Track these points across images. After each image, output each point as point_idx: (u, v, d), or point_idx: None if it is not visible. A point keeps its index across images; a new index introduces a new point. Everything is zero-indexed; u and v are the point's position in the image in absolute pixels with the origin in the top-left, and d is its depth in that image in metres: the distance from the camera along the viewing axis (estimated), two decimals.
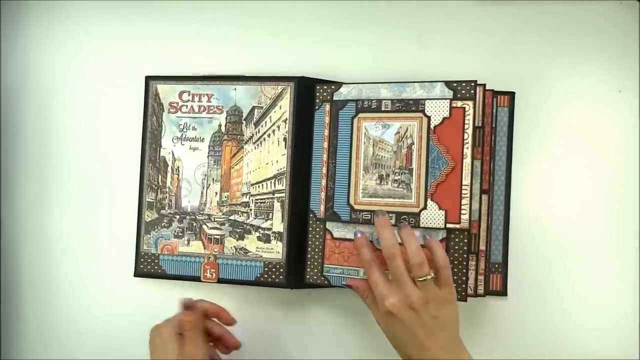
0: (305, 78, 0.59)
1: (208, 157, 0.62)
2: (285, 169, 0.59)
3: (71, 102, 0.67)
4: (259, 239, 0.60)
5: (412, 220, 0.53)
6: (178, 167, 0.63)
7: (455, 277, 0.52)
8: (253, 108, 0.61)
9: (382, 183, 0.55)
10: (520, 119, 0.57)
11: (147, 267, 0.62)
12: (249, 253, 0.60)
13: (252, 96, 0.61)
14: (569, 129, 0.59)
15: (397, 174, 0.54)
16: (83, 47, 0.67)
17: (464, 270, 0.52)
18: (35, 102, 0.68)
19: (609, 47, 0.59)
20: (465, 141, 0.52)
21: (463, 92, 0.52)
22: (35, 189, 0.67)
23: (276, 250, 0.59)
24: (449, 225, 0.52)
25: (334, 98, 0.57)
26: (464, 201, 0.52)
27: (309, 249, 0.57)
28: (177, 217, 0.62)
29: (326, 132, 0.57)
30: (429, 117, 0.53)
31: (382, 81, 0.55)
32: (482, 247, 0.54)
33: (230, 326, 0.55)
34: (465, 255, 0.52)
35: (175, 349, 0.48)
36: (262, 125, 0.61)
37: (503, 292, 0.57)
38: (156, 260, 0.62)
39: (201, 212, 0.62)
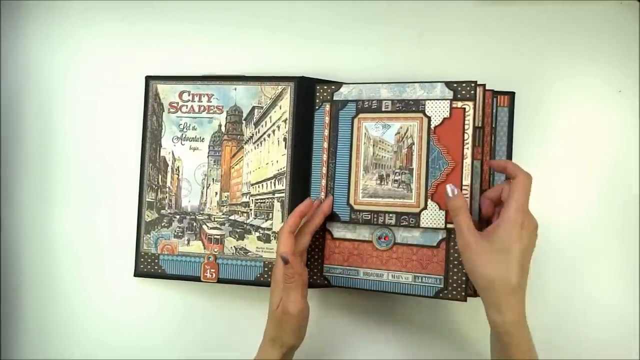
0: (305, 78, 0.59)
1: (208, 157, 0.62)
2: (285, 169, 0.59)
3: (71, 102, 0.67)
4: (259, 239, 0.60)
5: (412, 220, 0.53)
6: (178, 167, 0.63)
7: (455, 277, 0.52)
8: (253, 108, 0.61)
9: (382, 183, 0.55)
10: (520, 119, 0.57)
11: (147, 267, 0.62)
12: (249, 253, 0.60)
13: (252, 96, 0.61)
14: (569, 129, 0.59)
15: (397, 174, 0.54)
16: (83, 47, 0.67)
17: (464, 270, 0.52)
18: (36, 102, 0.68)
19: (609, 47, 0.59)
20: (465, 141, 0.52)
21: (463, 92, 0.52)
22: (35, 188, 0.67)
23: (276, 250, 0.59)
24: (449, 225, 0.52)
25: (334, 98, 0.57)
26: None
27: (309, 249, 0.57)
28: (177, 217, 0.62)
29: (326, 132, 0.57)
30: (429, 118, 0.53)
31: (382, 81, 0.55)
32: None
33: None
34: None
35: (276, 301, 0.50)
36: (262, 125, 0.61)
37: None
38: (156, 260, 0.62)
39: (201, 212, 0.62)
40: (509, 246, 0.44)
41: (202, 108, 0.62)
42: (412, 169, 0.54)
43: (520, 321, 0.45)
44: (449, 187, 0.49)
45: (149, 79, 0.63)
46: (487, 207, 0.51)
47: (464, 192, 0.52)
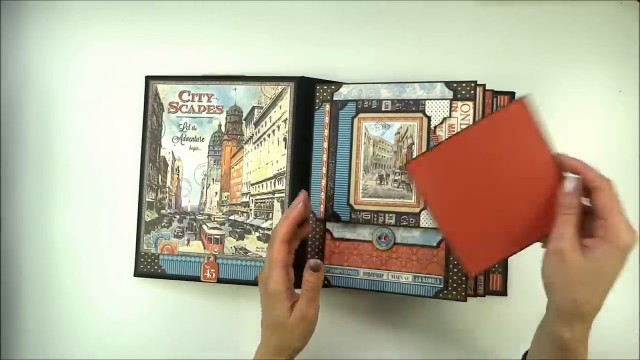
0: (305, 78, 0.59)
1: (208, 157, 0.62)
2: (285, 169, 0.59)
3: (71, 102, 0.67)
4: (259, 239, 0.60)
5: (412, 220, 0.53)
6: (178, 167, 0.63)
7: (455, 277, 0.52)
8: (253, 108, 0.61)
9: (382, 183, 0.55)
10: None
11: (147, 267, 0.62)
12: (249, 253, 0.60)
13: (252, 96, 0.61)
14: (568, 129, 0.59)
15: (397, 174, 0.54)
16: (83, 47, 0.67)
17: (464, 271, 0.52)
18: (36, 102, 0.68)
19: (609, 47, 0.59)
20: None
21: (463, 92, 0.52)
22: (35, 188, 0.67)
23: None
24: None
25: (334, 98, 0.57)
26: None
27: (309, 249, 0.57)
28: (177, 217, 0.62)
29: (326, 132, 0.57)
30: (429, 118, 0.53)
31: (382, 81, 0.55)
32: None
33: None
34: None
35: (284, 311, 0.47)
36: (262, 125, 0.61)
37: (503, 292, 0.57)
38: (156, 260, 0.62)
39: (201, 212, 0.62)
40: (607, 272, 0.40)
41: (202, 108, 0.62)
42: None
43: (586, 339, 0.42)
44: (570, 181, 0.42)
45: (149, 79, 0.63)
46: None
47: None
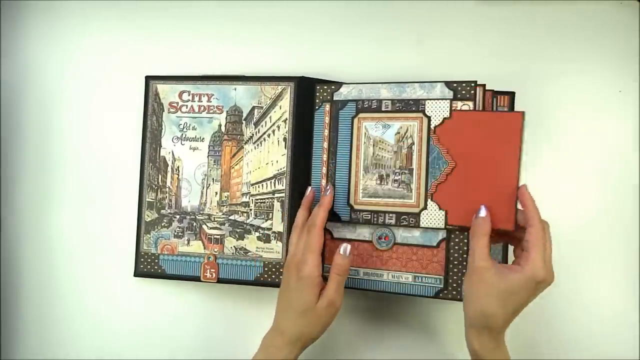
0: (305, 78, 0.59)
1: (208, 157, 0.62)
2: (285, 169, 0.59)
3: (71, 102, 0.67)
4: (259, 239, 0.60)
5: (412, 220, 0.53)
6: (178, 167, 0.63)
7: (455, 277, 0.52)
8: (253, 108, 0.61)
9: (382, 183, 0.55)
10: None
11: (147, 267, 0.62)
12: (249, 253, 0.60)
13: (252, 96, 0.61)
14: (568, 129, 0.59)
15: (397, 174, 0.54)
16: (83, 47, 0.67)
17: (464, 270, 0.52)
18: (35, 102, 0.68)
19: (609, 47, 0.59)
20: None
21: (463, 92, 0.52)
22: (35, 188, 0.67)
23: (276, 250, 0.59)
24: (448, 226, 0.52)
25: (334, 98, 0.57)
26: None
27: None
28: (177, 217, 0.62)
29: (326, 132, 0.57)
30: (429, 117, 0.53)
31: (382, 81, 0.55)
32: None
33: None
34: (465, 255, 0.52)
35: (313, 298, 0.49)
36: (262, 125, 0.61)
37: None
38: (156, 260, 0.62)
39: (201, 212, 0.62)
40: (517, 295, 0.45)
41: (202, 108, 0.62)
42: (412, 169, 0.54)
43: (497, 347, 0.47)
44: (483, 208, 0.49)
45: (149, 79, 0.63)
46: None
47: None
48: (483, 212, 0.48)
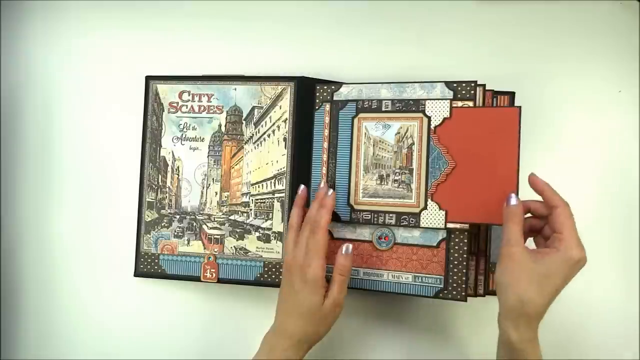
0: (305, 78, 0.59)
1: (208, 157, 0.62)
2: (285, 169, 0.59)
3: (71, 102, 0.67)
4: (259, 239, 0.60)
5: (412, 220, 0.53)
6: (178, 167, 0.63)
7: (455, 277, 0.52)
8: (253, 108, 0.61)
9: (383, 183, 0.55)
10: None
11: (147, 267, 0.62)
12: (249, 253, 0.60)
13: (252, 96, 0.61)
14: (568, 129, 0.59)
15: (397, 174, 0.54)
16: (83, 47, 0.67)
17: (464, 270, 0.52)
18: (35, 102, 0.67)
19: (609, 47, 0.59)
20: None
21: (463, 92, 0.52)
22: (35, 188, 0.67)
23: (276, 250, 0.59)
24: (449, 225, 0.52)
25: (334, 98, 0.57)
26: None
27: None
28: (177, 217, 0.62)
29: (326, 132, 0.57)
30: (429, 118, 0.53)
31: (382, 81, 0.55)
32: (482, 247, 0.54)
33: None
34: (465, 255, 0.52)
35: (319, 298, 0.49)
36: (262, 125, 0.61)
37: None
38: (156, 260, 0.62)
39: (201, 212, 0.62)
40: (554, 277, 0.44)
41: (202, 108, 0.62)
42: (412, 169, 0.54)
43: (534, 339, 0.45)
44: (513, 196, 0.48)
45: (149, 79, 0.63)
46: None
47: None
48: (514, 200, 0.47)
